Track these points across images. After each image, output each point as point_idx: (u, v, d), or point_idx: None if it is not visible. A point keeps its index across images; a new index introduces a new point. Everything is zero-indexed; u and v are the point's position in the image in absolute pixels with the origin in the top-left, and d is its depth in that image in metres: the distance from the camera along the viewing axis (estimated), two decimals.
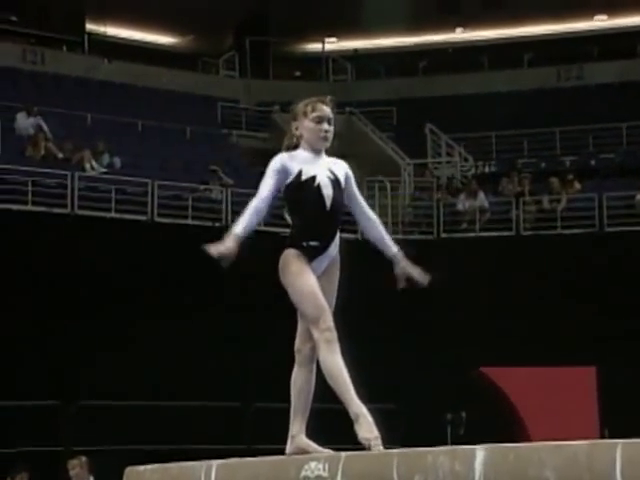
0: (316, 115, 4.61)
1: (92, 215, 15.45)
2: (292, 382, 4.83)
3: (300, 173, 4.57)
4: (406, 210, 18.16)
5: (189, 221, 16.17)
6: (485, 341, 14.81)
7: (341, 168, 4.72)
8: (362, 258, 7.75)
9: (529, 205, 17.60)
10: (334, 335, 4.43)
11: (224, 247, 4.69)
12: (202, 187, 17.05)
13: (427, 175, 19.36)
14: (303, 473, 4.45)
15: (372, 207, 17.68)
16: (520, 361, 14.30)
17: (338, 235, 4.62)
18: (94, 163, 16.76)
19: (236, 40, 23.37)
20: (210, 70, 22.95)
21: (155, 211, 15.95)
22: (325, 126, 4.62)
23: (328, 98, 4.72)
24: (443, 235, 17.18)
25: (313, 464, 4.46)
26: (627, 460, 3.56)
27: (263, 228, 16.58)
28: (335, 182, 4.61)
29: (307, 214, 4.56)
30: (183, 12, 22.17)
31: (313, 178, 4.56)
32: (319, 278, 4.55)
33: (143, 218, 15.88)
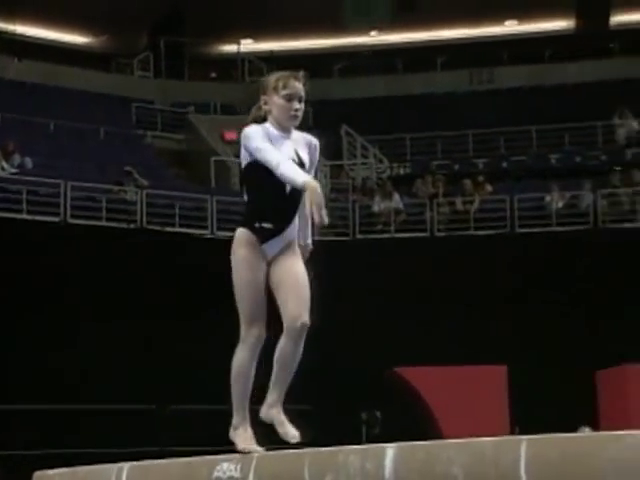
0: (287, 93, 4.40)
1: (3, 216, 15.21)
2: (277, 352, 4.58)
3: None
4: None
5: (103, 222, 16.00)
6: (400, 341, 14.94)
7: (306, 146, 4.52)
8: None
9: (443, 206, 17.80)
10: (258, 344, 4.42)
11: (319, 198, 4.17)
12: (116, 188, 16.90)
13: (343, 176, 19.45)
14: (215, 474, 4.46)
15: None
16: (434, 360, 14.44)
17: (297, 220, 4.43)
18: (4, 164, 16.50)
19: (151, 40, 23.20)
20: (124, 70, 22.74)
21: (68, 212, 15.76)
22: (296, 104, 4.42)
23: (301, 74, 4.52)
24: (359, 236, 17.28)
25: (225, 465, 4.46)
26: (531, 456, 3.64)
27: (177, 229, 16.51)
28: (299, 165, 4.38)
29: (265, 195, 4.36)
30: (97, 11, 21.93)
31: None
32: (271, 261, 4.39)
33: (56, 219, 15.69)
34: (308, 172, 4.38)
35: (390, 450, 4.07)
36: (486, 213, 17.43)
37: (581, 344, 15.42)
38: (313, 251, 4.63)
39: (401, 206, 17.80)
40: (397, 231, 17.41)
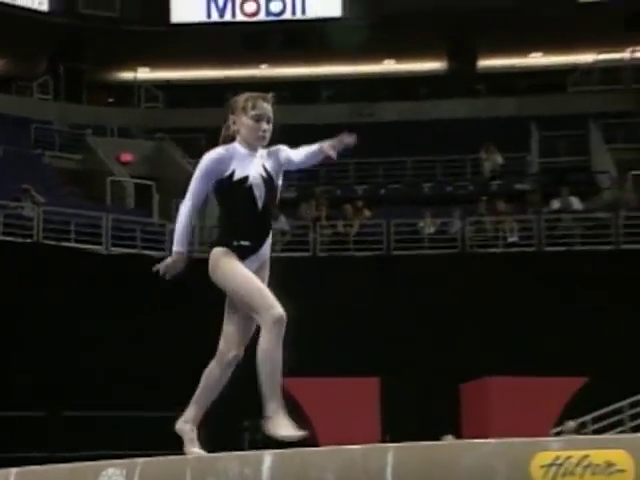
0: (255, 113, 4.28)
1: None
2: (206, 373, 4.61)
3: (233, 173, 4.24)
4: (212, 230, 18.14)
5: (0, 237, 15.65)
6: (283, 352, 14.90)
7: (270, 157, 4.37)
8: None
9: (325, 229, 17.97)
10: (283, 325, 4.27)
11: (167, 265, 4.35)
12: (13, 204, 16.56)
13: None
14: (100, 479, 4.38)
15: None
16: (313, 372, 14.47)
17: (270, 236, 4.36)
18: None
19: (50, 65, 22.79)
20: (24, 93, 22.28)
21: None
22: (264, 125, 4.30)
23: (270, 95, 4.42)
24: None
25: (111, 470, 4.38)
26: (397, 462, 3.69)
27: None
28: (268, 180, 4.30)
29: (238, 214, 4.24)
30: None
31: (245, 178, 4.23)
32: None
33: None
34: (276, 181, 4.35)
35: (268, 457, 4.07)
36: (365, 236, 17.63)
37: (448, 359, 15.69)
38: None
39: (287, 227, 17.87)
40: (282, 250, 17.45)
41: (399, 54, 23.07)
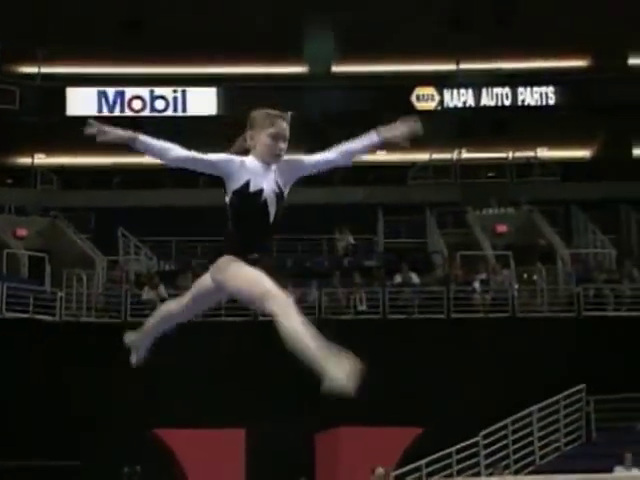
0: (274, 131, 3.94)
1: None
2: (162, 307, 4.42)
3: (248, 184, 3.91)
4: (99, 298, 18.04)
5: None
6: (159, 404, 14.82)
7: (288, 170, 4.05)
8: None
9: None
10: (288, 299, 3.81)
11: (106, 129, 3.98)
12: None
13: (118, 269, 19.35)
14: None
15: (70, 295, 17.72)
16: (187, 423, 14.41)
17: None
18: None
19: None
20: None
21: None
22: (281, 144, 3.96)
23: (289, 114, 4.02)
24: (130, 319, 17.15)
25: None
26: None
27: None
28: (279, 196, 4.02)
29: (250, 227, 3.94)
30: None
31: (260, 191, 3.93)
32: None
33: None
34: (284, 201, 4.04)
35: None
36: (234, 303, 17.68)
37: (305, 410, 15.89)
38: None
39: (166, 295, 17.90)
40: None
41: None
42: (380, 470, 11.99)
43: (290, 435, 14.62)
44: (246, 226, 3.95)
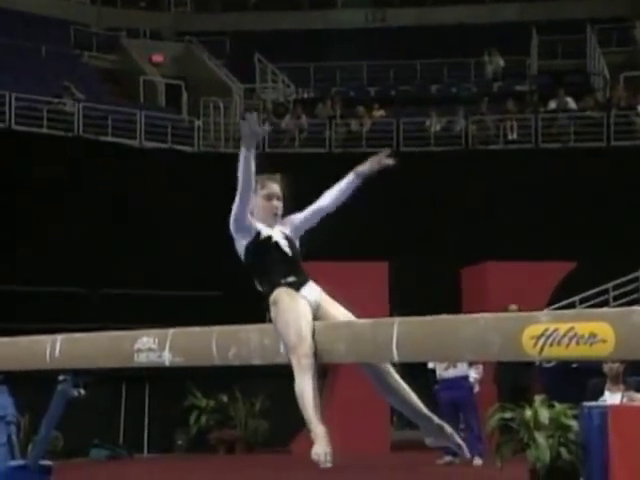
0: (265, 193, 4.32)
1: None
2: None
3: (259, 234, 4.26)
4: (237, 127, 18.05)
5: (44, 130, 15.66)
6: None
7: (290, 225, 4.38)
8: None
9: (340, 127, 17.84)
10: (310, 362, 3.98)
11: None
12: (56, 100, 16.47)
13: (255, 98, 19.24)
14: (136, 346, 4.46)
15: (207, 124, 17.64)
16: (329, 255, 14.47)
17: (311, 281, 4.26)
18: None
19: None
20: None
21: (13, 120, 15.38)
22: (275, 202, 4.32)
23: (278, 176, 4.43)
24: (268, 150, 17.17)
25: (145, 339, 4.46)
26: (402, 333, 3.74)
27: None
28: (288, 239, 4.32)
29: (272, 264, 4.21)
30: None
31: (270, 237, 4.28)
32: (317, 306, 4.18)
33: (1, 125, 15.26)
34: (296, 244, 4.33)
35: None
36: (376, 133, 17.49)
37: (450, 245, 15.78)
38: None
39: (304, 125, 17.76)
40: (300, 146, 17.39)
41: None
42: (513, 307, 11.76)
43: (434, 269, 14.53)
44: (268, 264, 4.22)
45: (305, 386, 3.96)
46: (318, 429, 3.94)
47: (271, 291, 4.16)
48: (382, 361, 4.01)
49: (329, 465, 3.91)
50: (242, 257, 4.28)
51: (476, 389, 11.65)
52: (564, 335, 3.13)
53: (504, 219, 15.96)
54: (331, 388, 12.82)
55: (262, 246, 4.23)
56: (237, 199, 4.19)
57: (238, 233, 4.24)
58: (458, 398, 11.34)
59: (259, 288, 4.24)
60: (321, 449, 3.90)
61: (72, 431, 11.42)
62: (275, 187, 4.36)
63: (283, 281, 4.15)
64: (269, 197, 4.32)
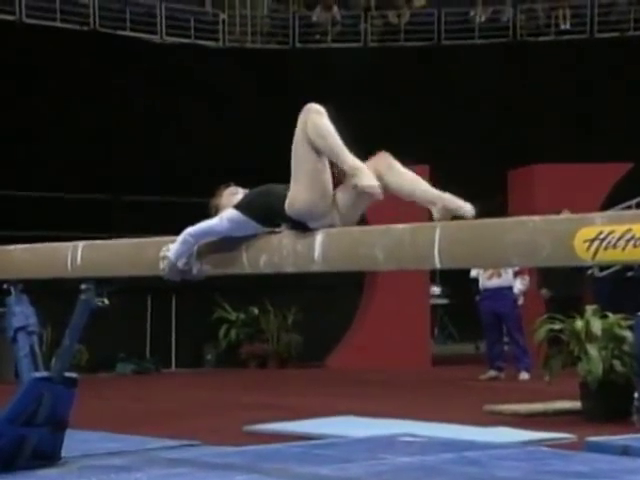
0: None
1: None
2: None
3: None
4: (264, 20, 17.78)
5: (58, 23, 15.48)
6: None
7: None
8: None
9: (376, 19, 17.51)
10: (323, 111, 4.09)
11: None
12: None
13: None
14: (162, 253, 4.48)
15: (233, 17, 17.29)
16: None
17: None
18: None
19: None
20: None
21: (24, 12, 15.24)
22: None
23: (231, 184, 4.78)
24: (298, 45, 16.94)
25: (171, 245, 4.48)
26: (445, 237, 3.71)
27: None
28: None
29: None
30: None
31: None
32: None
33: (11, 18, 15.12)
34: None
35: (319, 235, 4.11)
36: (416, 26, 17.16)
37: (496, 147, 15.63)
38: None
39: (338, 17, 17.44)
40: (333, 41, 17.12)
41: None
42: (566, 212, 11.69)
43: (480, 172, 14.44)
44: None
45: (325, 123, 4.01)
46: (357, 163, 3.94)
47: None
48: (423, 267, 4.01)
49: (381, 198, 3.94)
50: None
51: (520, 301, 11.68)
52: (620, 237, 3.09)
53: (553, 118, 15.75)
54: (370, 302, 12.93)
55: None
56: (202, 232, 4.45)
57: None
58: (501, 308, 11.39)
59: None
60: (371, 180, 3.91)
61: (96, 345, 11.67)
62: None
63: None
64: None
